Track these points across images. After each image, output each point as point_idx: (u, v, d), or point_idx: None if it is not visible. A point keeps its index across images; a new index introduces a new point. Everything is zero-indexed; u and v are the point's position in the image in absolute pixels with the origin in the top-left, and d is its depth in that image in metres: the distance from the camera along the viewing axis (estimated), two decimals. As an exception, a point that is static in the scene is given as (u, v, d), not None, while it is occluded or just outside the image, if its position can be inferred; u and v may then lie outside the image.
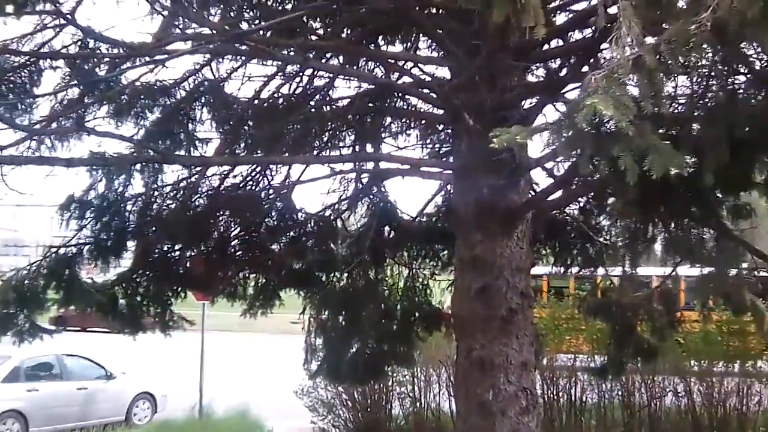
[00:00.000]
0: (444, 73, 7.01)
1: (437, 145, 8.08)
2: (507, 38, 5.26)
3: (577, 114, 2.66)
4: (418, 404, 10.62)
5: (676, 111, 4.23)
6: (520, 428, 5.38)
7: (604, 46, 5.15)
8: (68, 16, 5.95)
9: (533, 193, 6.24)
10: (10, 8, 4.92)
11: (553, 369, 9.76)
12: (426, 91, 6.58)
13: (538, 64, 6.58)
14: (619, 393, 9.79)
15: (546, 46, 6.00)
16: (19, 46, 6.46)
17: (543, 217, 6.40)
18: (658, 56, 2.69)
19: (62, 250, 6.90)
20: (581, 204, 7.59)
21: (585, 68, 5.57)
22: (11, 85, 6.52)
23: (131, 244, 7.24)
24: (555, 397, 9.69)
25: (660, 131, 3.13)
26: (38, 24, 6.37)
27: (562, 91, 6.07)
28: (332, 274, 7.97)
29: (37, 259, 6.99)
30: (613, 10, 3.19)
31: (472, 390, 5.54)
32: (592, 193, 6.58)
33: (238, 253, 7.92)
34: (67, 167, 5.47)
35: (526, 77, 6.30)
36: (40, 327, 6.90)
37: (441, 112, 7.25)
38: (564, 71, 6.42)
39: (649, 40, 2.79)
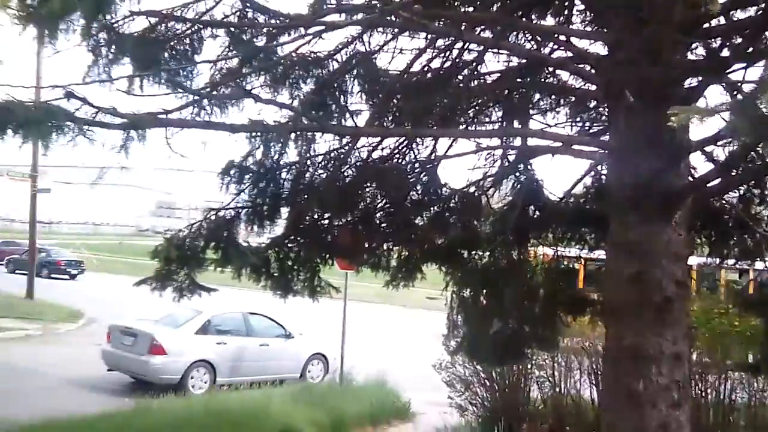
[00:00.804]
0: (597, 48, 6.77)
1: (587, 123, 7.81)
2: (672, 12, 4.98)
3: (763, 96, 2.47)
4: (557, 389, 10.40)
5: None
6: (670, 422, 5.14)
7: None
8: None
9: (693, 178, 5.89)
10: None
11: (703, 364, 9.28)
12: (581, 66, 6.34)
13: (699, 43, 6.21)
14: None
15: (709, 24, 5.64)
16: (182, 13, 6.81)
17: (700, 204, 6.06)
18: None
19: (221, 213, 7.22)
20: (741, 192, 7.12)
21: (750, 49, 5.18)
22: (174, 52, 6.88)
23: (285, 210, 7.48)
24: (702, 394, 9.21)
25: None
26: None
27: (727, 72, 5.69)
28: (474, 252, 7.92)
29: (198, 220, 7.36)
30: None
31: (621, 379, 5.34)
32: (754, 181, 6.17)
33: (383, 225, 8.02)
34: (231, 132, 5.70)
35: (687, 56, 5.96)
36: (199, 284, 7.28)
37: (593, 88, 7.00)
38: (727, 51, 6.02)
39: None
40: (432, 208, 7.99)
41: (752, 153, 5.48)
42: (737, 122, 2.77)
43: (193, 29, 6.77)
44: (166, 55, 6.72)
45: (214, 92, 6.65)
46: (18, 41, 24.65)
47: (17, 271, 31.38)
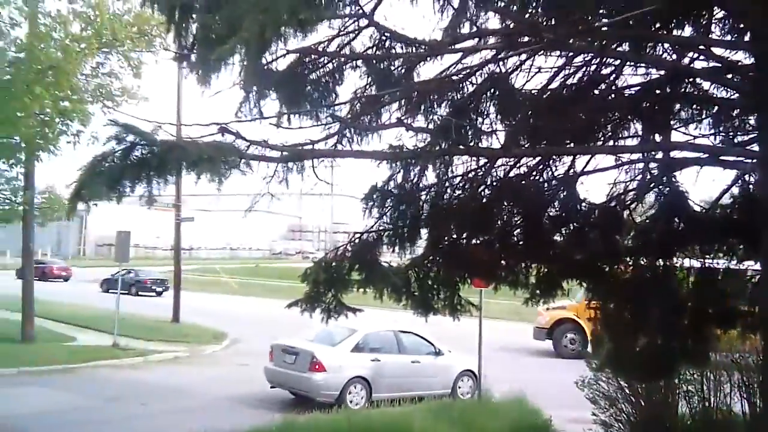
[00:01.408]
0: (738, 56, 6.58)
1: (731, 133, 7.58)
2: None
3: None
4: (706, 404, 10.02)
5: None
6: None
7: None
8: (369, 16, 6.47)
9: None
10: (306, 14, 5.42)
11: None
12: (728, 76, 6.20)
13: None
14: None
15: None
16: (324, 48, 7.15)
17: None
18: None
19: (364, 236, 7.50)
20: None
21: None
22: (317, 85, 7.23)
23: (424, 232, 7.67)
24: None
25: None
26: (341, 27, 6.96)
27: None
28: (616, 265, 7.83)
29: (343, 243, 7.67)
30: None
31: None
32: None
33: (520, 243, 8.06)
34: (380, 160, 5.95)
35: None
36: (346, 305, 7.58)
37: (736, 96, 6.81)
38: None
39: None
40: (571, 225, 7.96)
41: None
42: None
43: (334, 62, 7.09)
44: (310, 88, 7.06)
45: (360, 121, 6.90)
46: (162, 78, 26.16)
47: (110, 291, 34.02)
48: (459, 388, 15.59)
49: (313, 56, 6.84)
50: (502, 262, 8.20)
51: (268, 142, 6.05)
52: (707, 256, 7.82)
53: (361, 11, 6.47)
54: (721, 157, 6.41)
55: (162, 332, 23.29)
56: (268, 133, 6.88)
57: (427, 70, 7.26)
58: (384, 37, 7.02)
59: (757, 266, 6.82)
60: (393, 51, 7.09)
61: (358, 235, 7.60)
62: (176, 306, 26.28)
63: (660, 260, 7.53)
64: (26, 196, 17.87)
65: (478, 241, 8.01)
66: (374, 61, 7.07)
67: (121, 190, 5.07)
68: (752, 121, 6.94)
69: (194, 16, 6.14)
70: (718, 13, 6.62)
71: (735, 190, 7.44)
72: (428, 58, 6.72)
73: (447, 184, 7.61)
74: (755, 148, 6.49)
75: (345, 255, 7.50)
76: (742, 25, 6.17)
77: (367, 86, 7.27)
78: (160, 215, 49.21)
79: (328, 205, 64.75)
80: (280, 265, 53.11)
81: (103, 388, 15.68)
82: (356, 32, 6.95)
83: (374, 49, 7.11)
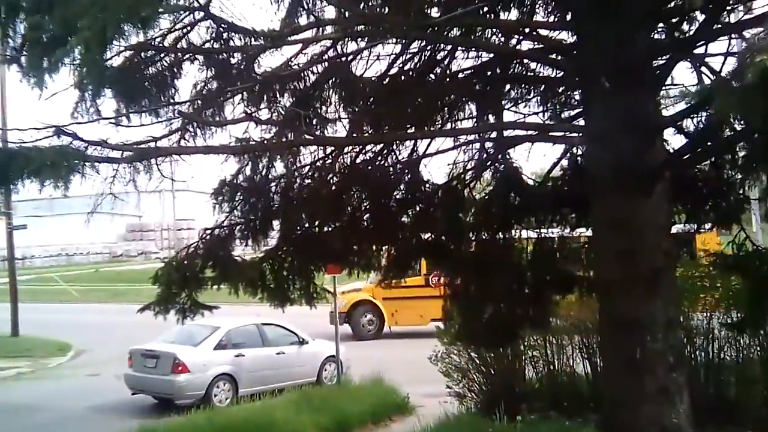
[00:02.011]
0: (562, 36, 7.06)
1: (559, 109, 8.11)
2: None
3: (747, 72, 2.74)
4: (551, 367, 10.72)
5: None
6: (668, 385, 5.45)
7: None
8: (205, 8, 6.37)
9: (669, 152, 6.20)
10: (146, 10, 5.30)
11: (690, 327, 9.64)
12: (553, 56, 6.63)
13: (663, 24, 6.52)
14: (758, 349, 9.58)
15: (673, 3, 5.96)
16: (160, 42, 6.95)
17: (677, 175, 6.38)
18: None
19: (216, 232, 7.40)
20: (713, 159, 7.46)
21: (716, 25, 5.50)
22: (155, 81, 7.03)
23: (276, 223, 7.68)
24: (692, 356, 9.58)
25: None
26: (176, 20, 6.80)
27: (692, 49, 6.01)
28: (461, 242, 8.20)
29: (193, 241, 7.53)
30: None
31: (618, 350, 5.65)
32: (726, 149, 6.49)
33: (371, 227, 8.26)
34: (230, 154, 5.90)
35: (653, 37, 6.27)
36: (201, 304, 7.46)
37: (561, 74, 7.29)
38: (689, 28, 6.34)
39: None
40: (417, 206, 8.25)
41: (724, 124, 5.80)
42: (725, 100, 3.03)
43: (172, 56, 6.91)
44: (148, 84, 6.85)
45: (203, 116, 6.79)
46: None
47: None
48: (324, 374, 15.80)
49: (150, 52, 6.62)
50: (354, 247, 8.36)
51: (108, 142, 5.84)
52: (543, 227, 8.37)
53: (196, 3, 6.35)
54: (550, 133, 6.85)
55: (1, 348, 21.83)
56: (108, 133, 6.61)
57: (268, 61, 7.25)
58: (222, 29, 6.92)
59: (589, 233, 7.36)
60: (232, 43, 7.01)
61: (209, 231, 7.49)
62: (14, 319, 24.68)
63: (500, 234, 7.96)
64: None
65: (330, 228, 8.12)
66: (214, 54, 6.95)
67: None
68: (577, 97, 7.45)
69: (21, 16, 5.81)
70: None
71: (564, 163, 7.99)
72: (268, 50, 6.69)
73: (296, 174, 7.65)
74: (581, 122, 6.99)
75: (197, 252, 7.38)
76: (564, 6, 6.59)
77: (208, 79, 7.15)
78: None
79: (170, 203, 62.71)
80: (123, 268, 51.04)
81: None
82: (192, 25, 6.82)
83: (212, 41, 7.00)
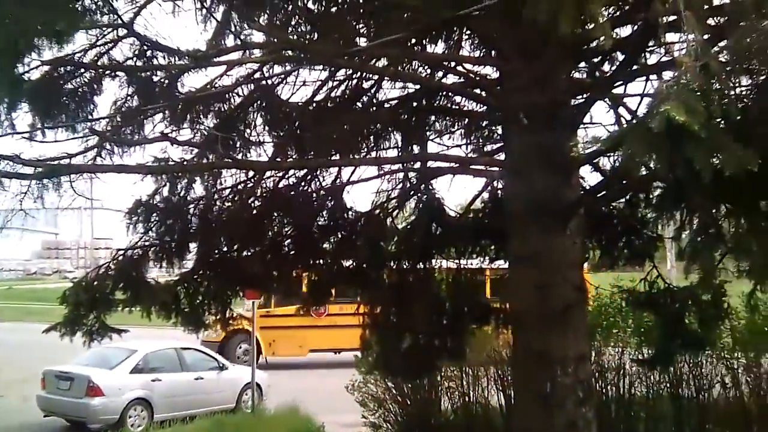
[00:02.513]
0: (486, 71, 7.19)
1: (481, 142, 8.24)
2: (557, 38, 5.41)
3: (653, 120, 2.83)
4: (466, 398, 10.77)
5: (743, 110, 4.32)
6: (577, 420, 5.53)
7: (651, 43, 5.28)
8: (128, 26, 6.26)
9: (585, 189, 6.36)
10: (61, 24, 5.17)
11: (601, 362, 9.84)
12: (476, 90, 6.74)
13: (584, 62, 6.71)
14: (668, 385, 9.85)
15: (593, 44, 6.13)
16: (81, 57, 6.78)
17: (591, 212, 6.53)
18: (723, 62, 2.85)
19: (129, 253, 7.19)
20: (627, 197, 7.68)
21: (634, 66, 5.69)
22: (74, 96, 6.83)
23: (193, 246, 7.52)
24: (603, 391, 9.77)
25: (729, 131, 3.29)
26: (98, 36, 6.65)
27: (610, 88, 6.21)
28: (382, 271, 8.20)
29: (105, 261, 7.30)
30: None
31: (529, 383, 5.71)
32: (640, 188, 6.68)
33: (291, 253, 8.17)
34: (145, 174, 5.75)
35: (573, 75, 6.45)
36: (110, 327, 7.22)
37: (484, 108, 7.42)
38: (610, 68, 6.55)
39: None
40: (339, 233, 8.21)
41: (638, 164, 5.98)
42: (633, 145, 3.13)
43: (92, 72, 6.74)
44: (66, 99, 6.66)
45: (121, 134, 6.63)
46: None
47: None
48: (243, 402, 15.48)
49: (69, 67, 6.44)
50: (274, 272, 8.25)
51: (20, 158, 5.64)
52: (462, 258, 8.45)
53: (119, 21, 6.23)
54: (472, 166, 6.94)
55: None
56: (21, 147, 6.37)
57: (192, 81, 7.15)
58: (145, 47, 6.79)
59: (506, 265, 7.46)
60: (155, 61, 6.89)
61: (121, 252, 7.27)
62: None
63: (420, 263, 8.00)
64: None
65: (250, 253, 8.00)
66: (136, 72, 6.81)
67: None
68: (500, 132, 7.59)
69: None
70: (468, 31, 7.17)
71: (485, 195, 8.11)
72: (192, 69, 6.60)
73: (216, 196, 7.53)
74: (502, 156, 7.10)
75: (108, 273, 7.15)
76: (488, 43, 6.73)
77: (129, 97, 7.00)
78: None
79: (87, 221, 60.86)
80: (37, 286, 49.04)
81: None
82: (115, 42, 6.68)
83: (135, 59, 6.86)
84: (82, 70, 6.74)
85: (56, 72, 6.60)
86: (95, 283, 7.07)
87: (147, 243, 7.29)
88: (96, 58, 6.74)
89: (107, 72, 6.85)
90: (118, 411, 13.57)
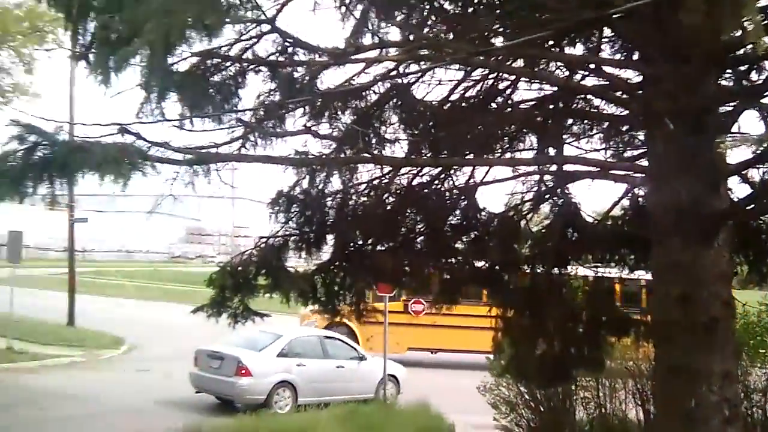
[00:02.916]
0: (627, 74, 6.92)
1: (621, 147, 7.96)
2: (701, 43, 5.14)
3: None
4: (602, 410, 10.44)
5: None
6: (722, 438, 5.23)
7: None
8: (271, 21, 6.46)
9: (734, 201, 6.01)
10: (211, 19, 5.38)
11: (747, 383, 9.28)
12: (617, 94, 6.51)
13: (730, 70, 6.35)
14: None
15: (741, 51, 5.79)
16: (226, 51, 7.07)
17: (739, 225, 6.17)
18: None
19: (271, 241, 7.48)
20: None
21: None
22: (220, 88, 7.15)
23: (330, 237, 7.71)
24: (749, 412, 9.20)
25: None
26: (243, 31, 6.91)
27: (760, 97, 5.84)
28: (515, 274, 8.08)
29: (249, 248, 7.65)
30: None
31: (673, 398, 5.46)
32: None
33: (424, 250, 8.20)
34: (287, 165, 5.95)
35: (720, 83, 6.12)
36: (252, 310, 7.56)
37: (625, 112, 7.15)
38: (758, 76, 6.16)
39: None
40: (471, 232, 8.16)
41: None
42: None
43: (237, 66, 7.02)
44: (213, 91, 6.97)
45: (264, 126, 6.88)
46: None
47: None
48: (381, 392, 15.87)
49: (215, 59, 6.74)
50: (406, 268, 8.32)
51: (170, 144, 5.97)
52: (600, 266, 8.19)
53: (263, 16, 6.45)
54: (611, 171, 6.71)
55: (57, 336, 22.42)
56: (170, 135, 6.76)
57: (330, 78, 7.31)
58: (287, 43, 7.00)
59: (649, 276, 7.17)
60: (296, 57, 7.09)
61: (264, 240, 7.57)
62: (71, 309, 25.31)
63: (555, 268, 7.81)
64: None
65: (383, 248, 8.10)
66: (278, 67, 7.04)
67: (24, 191, 4.93)
68: (641, 137, 7.30)
69: (92, 15, 5.98)
70: (608, 33, 6.94)
71: (625, 202, 7.82)
72: (331, 66, 6.74)
73: (352, 190, 7.66)
74: (644, 162, 6.83)
75: (251, 260, 7.47)
76: (630, 46, 6.49)
77: (271, 91, 7.24)
78: (52, 215, 47.15)
79: (229, 209, 63.72)
80: (179, 269, 51.99)
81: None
82: (258, 37, 6.92)
83: (277, 54, 7.09)
84: (228, 63, 7.04)
85: (203, 65, 6.93)
86: (239, 268, 7.42)
87: (287, 233, 7.53)
88: (240, 52, 7.02)
89: (251, 66, 7.12)
90: (264, 392, 14.30)
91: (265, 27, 6.47)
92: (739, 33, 3.69)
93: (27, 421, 12.71)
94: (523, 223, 8.09)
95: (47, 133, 5.03)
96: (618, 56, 6.93)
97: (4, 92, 15.98)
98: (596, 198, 8.66)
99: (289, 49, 6.85)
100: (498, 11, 6.54)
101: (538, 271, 7.87)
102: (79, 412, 13.67)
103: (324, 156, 6.60)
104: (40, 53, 15.91)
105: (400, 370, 16.27)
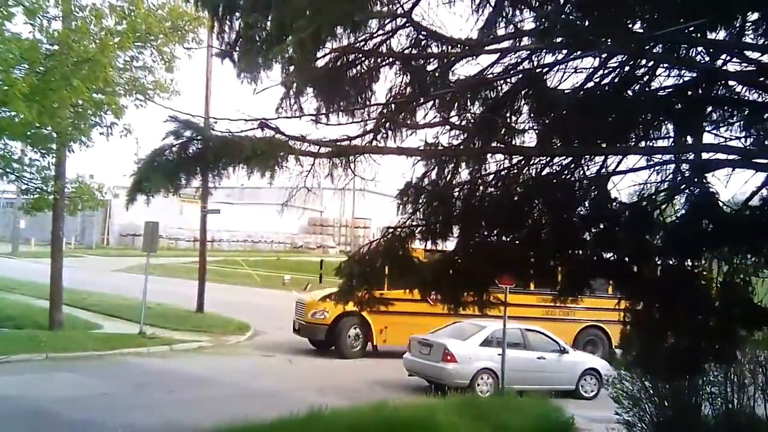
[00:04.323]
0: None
1: (763, 135, 7.62)
2: None
3: None
4: (730, 406, 10.07)
5: None
6: None
7: None
8: (407, 14, 6.60)
9: None
10: (359, 15, 5.57)
11: None
12: (761, 79, 6.26)
13: None
14: None
15: None
16: (362, 46, 7.27)
17: None
18: None
19: (397, 232, 7.65)
20: None
21: None
22: (354, 82, 7.37)
23: (456, 228, 7.81)
24: None
25: None
26: (379, 25, 7.09)
27: None
28: (647, 266, 7.90)
29: (376, 238, 7.84)
30: None
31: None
32: None
33: (550, 241, 8.15)
34: (422, 157, 6.09)
35: None
36: (377, 298, 7.76)
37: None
38: None
39: None
40: (601, 224, 8.04)
41: None
42: None
43: (371, 61, 7.22)
44: (348, 86, 7.21)
45: (398, 118, 7.05)
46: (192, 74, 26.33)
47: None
48: (581, 387, 16.51)
49: (351, 54, 6.96)
50: (532, 260, 8.30)
51: (306, 138, 6.23)
52: (736, 258, 7.88)
53: (400, 10, 6.60)
54: (753, 160, 6.46)
55: (187, 322, 23.54)
56: (303, 130, 7.05)
57: (462, 69, 7.39)
58: (421, 36, 7.13)
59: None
60: (429, 50, 7.22)
61: (390, 230, 7.75)
62: (200, 296, 26.50)
63: (689, 261, 7.60)
64: (57, 186, 18.09)
65: (508, 239, 8.12)
66: (412, 60, 7.19)
67: (178, 183, 5.28)
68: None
69: (238, 14, 6.32)
70: (752, 17, 6.67)
71: (765, 192, 7.50)
72: (465, 58, 6.83)
73: (479, 181, 7.72)
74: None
75: (378, 249, 7.67)
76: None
77: (404, 84, 7.40)
78: (183, 207, 49.61)
79: (349, 201, 64.80)
80: (301, 259, 53.32)
81: (130, 375, 15.94)
82: (393, 31, 7.09)
83: (411, 48, 7.24)
84: (362, 57, 7.25)
85: (340, 60, 7.17)
86: (367, 257, 7.63)
87: (414, 223, 7.69)
88: (375, 46, 7.21)
89: (385, 60, 7.30)
90: (468, 377, 15.45)
91: (401, 20, 6.64)
92: None
93: (157, 402, 13.44)
94: (656, 213, 7.89)
95: (202, 128, 5.40)
96: (762, 41, 6.66)
97: (146, 90, 16.90)
98: (734, 187, 8.33)
99: (423, 42, 7.00)
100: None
101: (671, 263, 7.67)
102: (207, 393, 14.37)
103: (456, 147, 6.69)
104: (179, 51, 16.75)
105: (602, 363, 16.58)
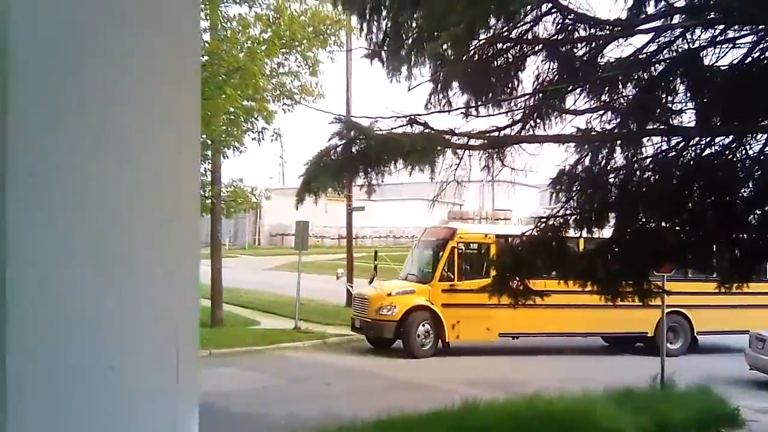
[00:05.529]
0: None
1: None
2: None
3: None
4: None
5: None
6: None
7: None
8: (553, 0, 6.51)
9: None
10: (514, 4, 5.56)
11: None
12: None
13: None
14: None
15: None
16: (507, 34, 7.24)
17: None
18: None
19: (550, 221, 7.56)
20: None
21: None
22: (500, 73, 7.35)
23: (612, 216, 7.62)
24: None
25: None
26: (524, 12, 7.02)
27: None
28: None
29: (529, 228, 7.79)
30: None
31: None
32: None
33: (711, 225, 7.81)
34: (579, 144, 6.02)
35: None
36: (532, 290, 7.69)
37: None
38: None
39: None
40: (766, 205, 7.62)
41: None
42: None
43: (516, 49, 7.18)
44: (493, 77, 7.20)
45: (549, 105, 6.98)
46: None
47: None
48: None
49: (498, 44, 6.95)
50: (692, 246, 7.98)
51: (455, 131, 6.30)
52: None
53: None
54: None
55: (337, 317, 24.14)
56: (451, 123, 7.11)
57: (611, 52, 7.21)
58: (568, 21, 7.01)
59: None
60: (577, 34, 7.09)
61: (543, 220, 7.67)
62: (349, 292, 27.18)
63: None
64: (214, 190, 19.12)
65: (667, 225, 7.84)
66: (560, 46, 7.09)
67: (343, 181, 5.50)
68: None
69: (384, 14, 6.47)
70: None
71: None
72: (616, 39, 6.65)
73: (636, 166, 7.51)
74: None
75: (531, 240, 7.60)
76: None
77: (551, 71, 7.31)
78: (327, 205, 50.94)
79: (489, 193, 64.22)
80: (443, 252, 53.38)
81: (288, 368, 16.58)
82: (539, 18, 7.01)
83: (557, 33, 7.14)
84: (508, 47, 7.22)
85: (485, 53, 7.17)
86: (519, 248, 7.58)
87: (568, 212, 7.57)
88: (521, 35, 7.16)
89: (531, 48, 7.23)
90: None
91: (546, 6, 6.56)
92: None
93: (315, 394, 13.89)
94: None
95: (365, 128, 5.57)
96: None
97: (293, 94, 17.56)
98: None
99: (570, 27, 6.88)
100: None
101: None
102: (362, 386, 14.68)
103: (611, 131, 6.53)
104: (322, 55, 17.27)
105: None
